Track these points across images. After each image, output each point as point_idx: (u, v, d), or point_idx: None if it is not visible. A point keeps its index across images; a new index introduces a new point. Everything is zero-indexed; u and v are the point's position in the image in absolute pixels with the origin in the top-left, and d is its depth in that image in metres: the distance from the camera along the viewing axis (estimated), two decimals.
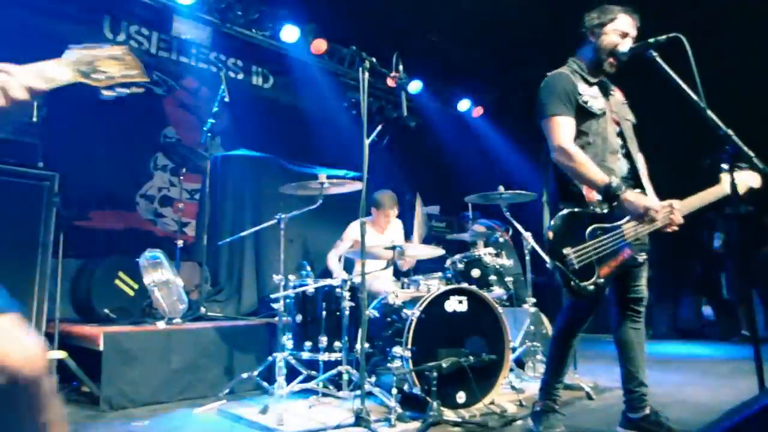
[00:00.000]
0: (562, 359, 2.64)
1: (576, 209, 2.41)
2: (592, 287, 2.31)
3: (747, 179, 2.55)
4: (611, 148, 2.51)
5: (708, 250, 6.60)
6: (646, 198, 2.42)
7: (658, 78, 2.40)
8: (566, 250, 2.30)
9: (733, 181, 2.17)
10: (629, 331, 2.59)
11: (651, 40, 2.43)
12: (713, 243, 6.32)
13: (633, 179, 2.56)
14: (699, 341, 6.74)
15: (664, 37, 2.41)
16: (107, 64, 1.56)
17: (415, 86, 7.68)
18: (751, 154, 2.20)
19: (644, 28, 2.61)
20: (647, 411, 2.51)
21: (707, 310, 7.02)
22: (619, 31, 2.52)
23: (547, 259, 2.38)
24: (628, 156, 2.59)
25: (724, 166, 2.47)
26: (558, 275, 2.32)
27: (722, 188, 2.54)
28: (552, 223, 2.38)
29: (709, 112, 2.20)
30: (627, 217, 2.39)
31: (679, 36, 2.33)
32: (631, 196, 2.33)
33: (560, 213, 2.38)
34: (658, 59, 2.42)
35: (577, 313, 2.60)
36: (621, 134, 2.59)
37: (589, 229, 2.37)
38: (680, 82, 2.32)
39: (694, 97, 2.24)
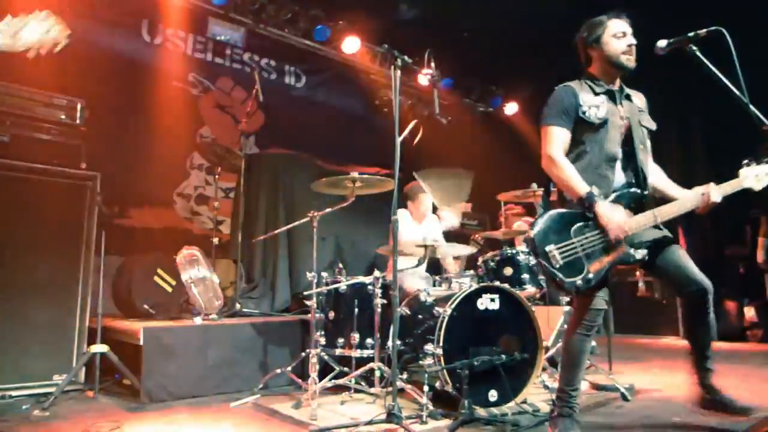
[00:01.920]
0: (575, 366, 2.58)
1: (562, 210, 2.49)
2: (580, 282, 2.37)
3: None
4: (608, 157, 2.55)
5: (752, 252, 6.38)
6: (615, 214, 2.42)
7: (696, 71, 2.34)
8: (549, 248, 2.38)
9: None
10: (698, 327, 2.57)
11: (690, 35, 2.39)
12: (756, 254, 6.13)
13: (638, 186, 2.56)
14: (740, 343, 6.52)
15: (704, 31, 2.35)
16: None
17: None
18: None
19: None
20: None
21: (749, 312, 6.79)
22: (617, 33, 2.58)
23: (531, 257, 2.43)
24: (630, 164, 2.59)
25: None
26: (543, 271, 2.41)
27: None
28: (535, 221, 2.48)
29: (752, 107, 2.14)
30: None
31: (721, 29, 2.27)
32: (601, 209, 2.41)
33: (545, 214, 2.48)
34: (699, 54, 2.37)
35: (587, 317, 2.53)
36: (629, 142, 2.59)
37: (575, 226, 2.44)
38: (722, 77, 2.26)
39: (737, 91, 2.19)
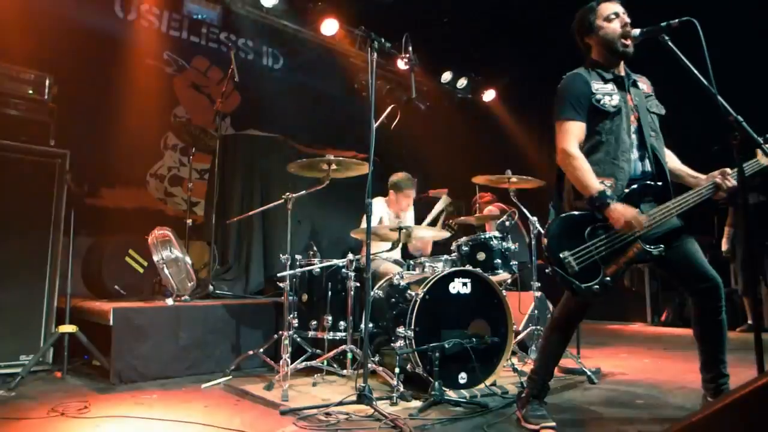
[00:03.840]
0: (555, 354, 2.62)
1: (574, 212, 2.41)
2: (597, 287, 2.29)
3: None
4: (623, 147, 2.47)
5: (717, 237, 6.56)
6: (628, 211, 2.31)
7: (669, 62, 2.38)
8: (563, 254, 2.30)
9: (742, 171, 2.14)
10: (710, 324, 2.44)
11: (663, 24, 2.40)
12: (722, 243, 6.30)
13: (653, 179, 2.47)
14: None
15: (676, 21, 2.37)
16: None
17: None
18: (760, 140, 2.19)
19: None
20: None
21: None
22: (608, 15, 2.53)
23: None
24: (645, 153, 2.50)
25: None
26: (558, 280, 2.31)
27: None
28: (547, 228, 2.38)
29: (719, 98, 2.18)
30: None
31: (692, 20, 2.30)
32: (614, 210, 2.30)
33: (556, 218, 2.40)
34: (670, 43, 2.39)
35: (576, 307, 2.56)
36: (640, 130, 2.52)
37: (589, 229, 2.35)
38: (691, 67, 2.29)
39: (705, 82, 2.22)
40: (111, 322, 3.41)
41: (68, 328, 3.46)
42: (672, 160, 2.65)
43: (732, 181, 2.41)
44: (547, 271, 2.36)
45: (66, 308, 3.53)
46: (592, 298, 2.32)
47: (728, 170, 2.44)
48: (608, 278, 2.31)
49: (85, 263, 4.44)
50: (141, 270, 4.29)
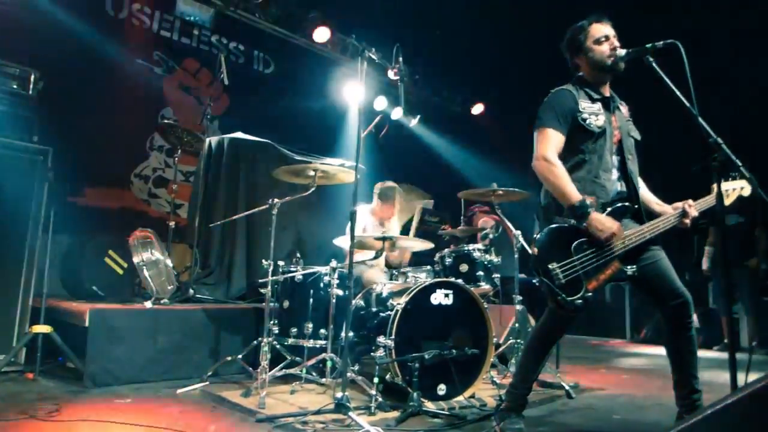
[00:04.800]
0: (534, 367, 2.63)
1: (563, 225, 2.42)
2: (580, 301, 2.31)
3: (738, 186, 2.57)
4: (605, 167, 2.52)
5: (697, 258, 6.66)
6: (611, 223, 2.36)
7: (652, 84, 2.42)
8: (552, 265, 2.31)
9: (720, 191, 2.18)
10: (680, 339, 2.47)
11: (648, 46, 2.45)
12: (702, 262, 6.37)
13: (629, 200, 2.53)
14: None
15: (661, 43, 2.42)
16: None
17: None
18: (739, 163, 2.23)
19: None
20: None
21: (693, 318, 7.07)
22: (599, 38, 2.56)
23: (534, 275, 2.35)
24: (625, 175, 2.57)
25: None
26: (544, 290, 2.32)
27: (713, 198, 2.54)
28: (537, 238, 2.39)
29: (700, 120, 2.22)
30: None
31: (676, 43, 2.35)
32: (595, 218, 2.33)
33: (546, 229, 2.41)
34: (654, 65, 2.44)
35: (558, 322, 2.59)
36: (620, 152, 2.58)
37: (575, 243, 2.37)
38: (674, 88, 2.33)
39: (687, 104, 2.26)
40: (87, 324, 3.35)
41: (42, 329, 3.39)
42: (643, 188, 2.71)
43: (695, 213, 2.53)
44: (534, 281, 2.37)
45: (41, 308, 3.47)
46: (574, 312, 2.34)
47: (691, 201, 2.54)
48: (590, 293, 2.33)
49: (64, 263, 4.36)
50: (121, 271, 4.23)
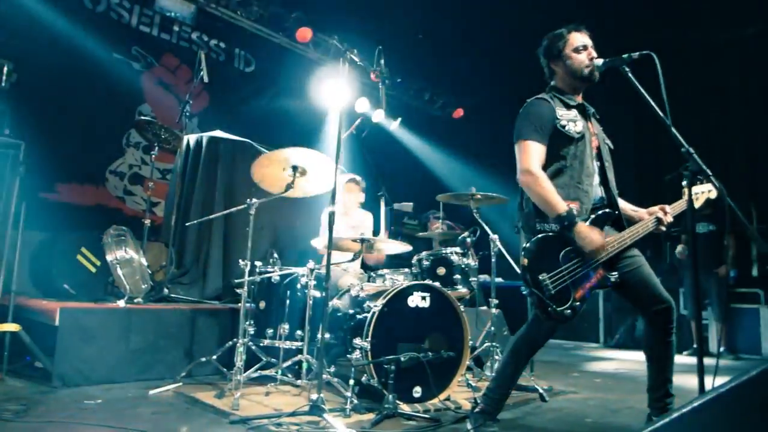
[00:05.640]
0: (514, 374, 2.64)
1: (549, 233, 2.43)
2: (569, 311, 2.32)
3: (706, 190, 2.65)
4: (587, 172, 2.54)
5: (669, 264, 6.80)
6: (593, 234, 2.37)
7: (627, 93, 2.47)
8: (542, 276, 2.31)
9: (690, 199, 2.24)
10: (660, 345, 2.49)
11: (624, 56, 2.49)
12: (675, 253, 6.43)
13: (610, 206, 2.56)
14: None
15: (636, 53, 2.47)
16: None
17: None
18: (710, 172, 2.29)
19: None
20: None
21: (675, 324, 7.21)
22: (578, 47, 2.59)
23: (523, 286, 2.35)
24: (604, 181, 2.60)
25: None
26: (535, 301, 2.31)
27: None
28: (526, 248, 2.38)
29: (673, 130, 2.27)
30: None
31: (651, 54, 2.40)
32: (581, 230, 2.34)
33: (534, 238, 2.41)
34: (630, 75, 2.49)
35: (544, 330, 2.59)
36: (599, 157, 2.62)
37: (563, 252, 2.38)
38: (648, 98, 2.39)
39: (660, 113, 2.32)
40: (57, 323, 3.28)
41: (10, 327, 3.30)
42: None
43: (670, 219, 2.59)
44: (524, 291, 2.35)
45: (9, 306, 3.38)
46: (563, 321, 2.35)
47: (667, 207, 2.61)
48: (578, 302, 2.35)
49: (34, 260, 4.26)
50: (93, 269, 4.16)
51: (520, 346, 2.63)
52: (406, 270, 3.89)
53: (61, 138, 5.29)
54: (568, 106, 2.58)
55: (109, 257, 3.77)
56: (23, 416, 2.58)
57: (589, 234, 2.35)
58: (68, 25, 5.52)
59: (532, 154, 2.46)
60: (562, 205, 2.37)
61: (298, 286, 3.62)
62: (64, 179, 5.56)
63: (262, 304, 3.65)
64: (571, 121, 2.54)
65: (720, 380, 1.46)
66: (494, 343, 3.91)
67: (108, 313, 3.55)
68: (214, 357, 3.55)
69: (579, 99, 2.67)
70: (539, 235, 2.42)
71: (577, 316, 2.36)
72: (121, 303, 3.67)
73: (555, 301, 2.30)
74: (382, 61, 3.21)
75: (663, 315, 2.46)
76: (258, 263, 3.62)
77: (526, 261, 2.34)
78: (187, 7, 6.65)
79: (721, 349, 6.06)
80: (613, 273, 2.44)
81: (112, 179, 6.05)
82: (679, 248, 6.27)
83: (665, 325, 2.46)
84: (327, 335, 3.29)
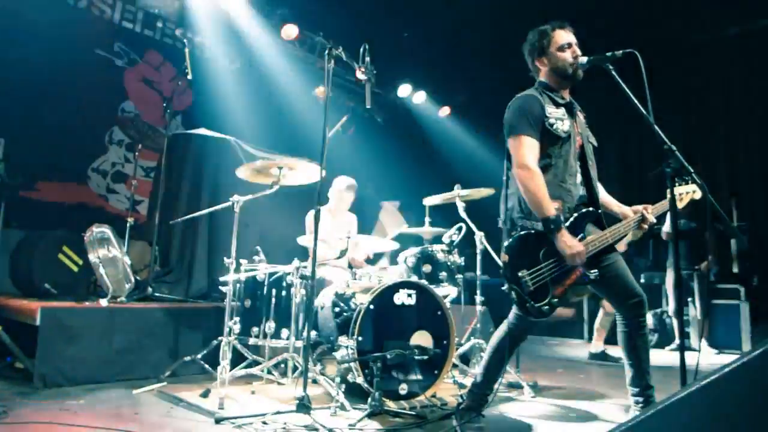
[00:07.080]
0: (498, 369, 2.68)
1: (531, 231, 2.45)
2: (547, 308, 2.36)
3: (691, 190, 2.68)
4: (570, 171, 2.56)
5: (652, 260, 6.88)
6: (574, 243, 2.39)
7: (610, 92, 2.49)
8: (521, 273, 2.35)
9: (673, 197, 2.26)
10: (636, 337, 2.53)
11: (608, 54, 2.52)
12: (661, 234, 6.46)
13: (592, 205, 2.59)
14: None
15: (620, 52, 2.50)
16: None
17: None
18: (692, 169, 2.32)
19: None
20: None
21: (648, 319, 7.31)
22: (562, 45, 2.61)
23: (504, 282, 2.38)
24: (587, 179, 2.63)
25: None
26: (514, 296, 2.36)
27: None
28: (506, 245, 2.41)
29: (655, 127, 2.30)
30: (580, 235, 2.46)
31: (635, 52, 2.42)
32: (563, 237, 2.37)
33: (514, 235, 2.43)
34: (613, 72, 2.51)
35: (524, 325, 2.63)
36: (582, 157, 2.64)
37: (543, 249, 2.41)
38: (631, 96, 2.41)
39: (643, 111, 2.34)
40: (38, 322, 3.23)
41: None
42: (601, 191, 2.77)
43: (652, 219, 2.63)
44: (503, 288, 2.39)
45: None
46: (541, 318, 2.38)
47: (650, 207, 2.64)
48: (555, 299, 2.38)
49: (14, 259, 4.19)
50: (75, 268, 4.10)
51: (501, 342, 2.66)
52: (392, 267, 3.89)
53: (41, 135, 5.20)
54: (557, 104, 2.60)
55: (91, 256, 3.72)
56: (3, 418, 2.53)
57: (571, 242, 2.37)
58: (49, 21, 5.42)
59: (527, 148, 2.47)
60: (551, 209, 2.39)
61: (284, 284, 3.61)
62: (45, 177, 5.47)
63: (248, 303, 3.63)
64: (558, 119, 2.55)
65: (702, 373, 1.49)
66: (480, 340, 3.93)
67: (90, 312, 3.50)
68: (199, 356, 3.52)
69: (567, 96, 2.68)
70: (521, 233, 2.44)
71: (553, 312, 2.39)
72: (104, 302, 3.62)
73: (533, 297, 2.34)
74: (368, 59, 3.21)
75: (636, 308, 2.50)
76: (243, 261, 3.59)
77: (506, 257, 2.38)
78: (170, 3, 6.57)
79: (703, 344, 6.16)
80: (593, 271, 2.46)
81: (94, 177, 5.97)
82: (665, 228, 6.29)
83: (638, 318, 2.51)
84: (313, 333, 3.29)
